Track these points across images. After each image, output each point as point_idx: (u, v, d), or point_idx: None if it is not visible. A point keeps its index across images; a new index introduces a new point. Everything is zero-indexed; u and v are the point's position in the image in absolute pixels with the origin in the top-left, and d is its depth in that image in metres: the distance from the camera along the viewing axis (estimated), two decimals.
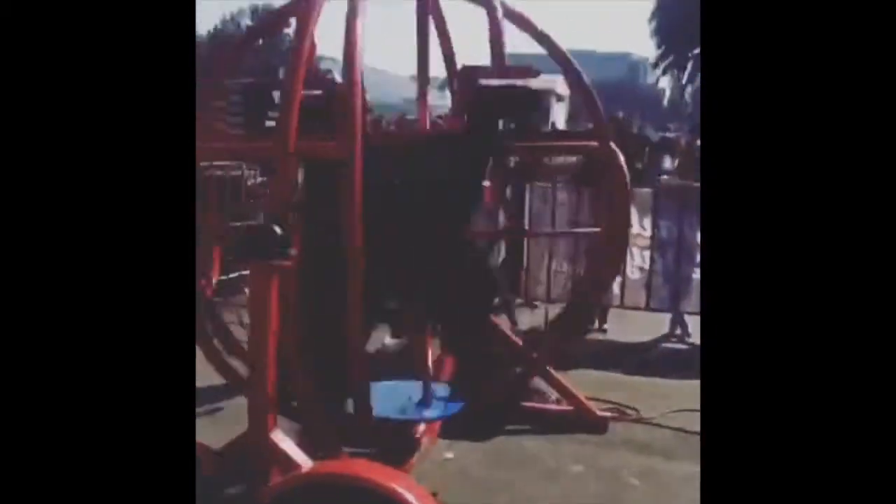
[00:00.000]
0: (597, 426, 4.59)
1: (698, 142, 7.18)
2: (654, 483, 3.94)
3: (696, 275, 6.37)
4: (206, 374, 3.49)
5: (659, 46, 39.93)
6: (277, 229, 2.52)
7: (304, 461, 2.58)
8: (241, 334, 3.80)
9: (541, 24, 3.99)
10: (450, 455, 4.15)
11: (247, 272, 3.17)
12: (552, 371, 4.73)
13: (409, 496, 2.33)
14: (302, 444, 2.70)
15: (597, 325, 7.04)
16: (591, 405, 4.68)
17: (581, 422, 4.60)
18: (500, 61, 3.92)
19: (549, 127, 4.50)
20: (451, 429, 4.25)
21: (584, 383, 4.97)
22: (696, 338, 6.31)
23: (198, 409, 2.43)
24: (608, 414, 4.69)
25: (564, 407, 4.71)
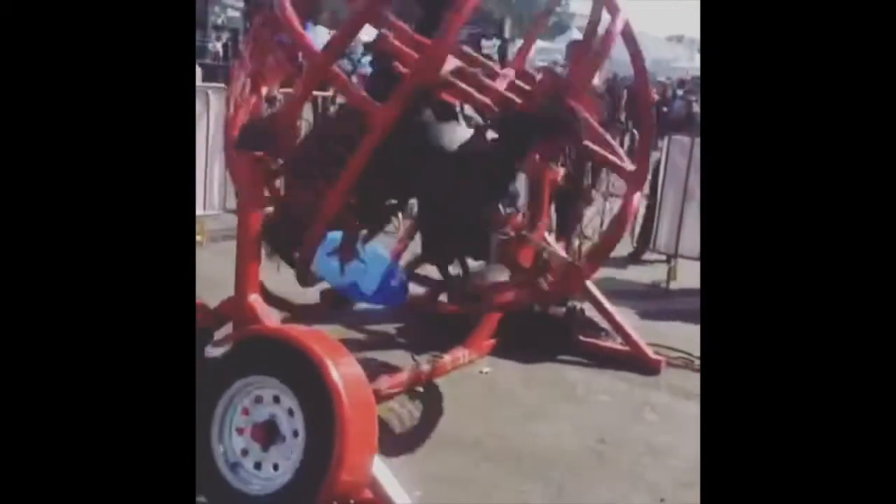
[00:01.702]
0: (650, 368, 4.66)
1: None
2: (671, 420, 3.98)
3: None
4: None
5: None
6: (263, 127, 3.00)
7: (272, 322, 3.09)
8: None
9: None
10: (487, 370, 4.48)
11: None
12: (613, 311, 4.84)
13: (325, 357, 2.74)
14: None
15: None
16: (646, 347, 4.72)
17: (635, 361, 4.69)
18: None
19: None
20: (503, 351, 4.57)
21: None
22: None
23: None
24: (661, 357, 4.70)
25: (620, 346, 4.79)
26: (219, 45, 20.37)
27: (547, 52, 24.85)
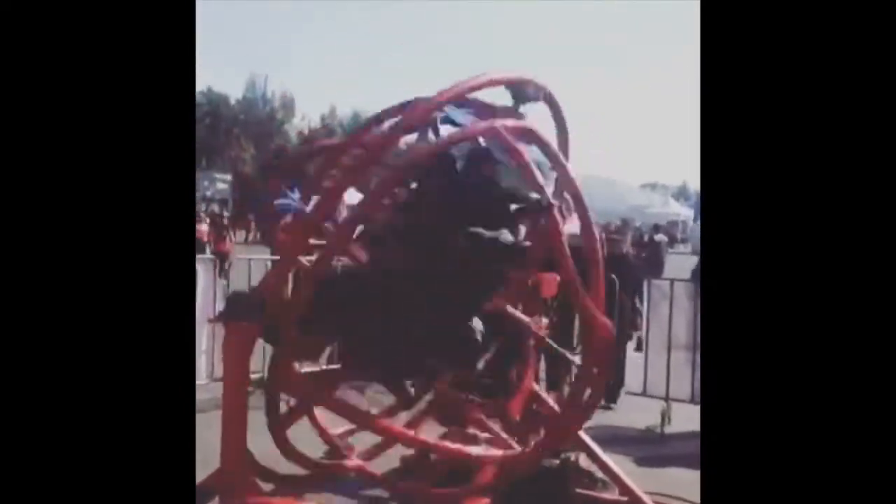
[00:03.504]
0: None
1: None
2: None
3: None
4: None
5: None
6: (249, 298, 3.09)
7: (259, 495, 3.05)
8: None
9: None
10: None
11: None
12: (608, 461, 4.76)
13: None
14: None
15: None
16: (645, 496, 4.62)
17: None
18: None
19: None
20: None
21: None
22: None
23: None
24: None
25: (618, 496, 4.68)
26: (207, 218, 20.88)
27: None
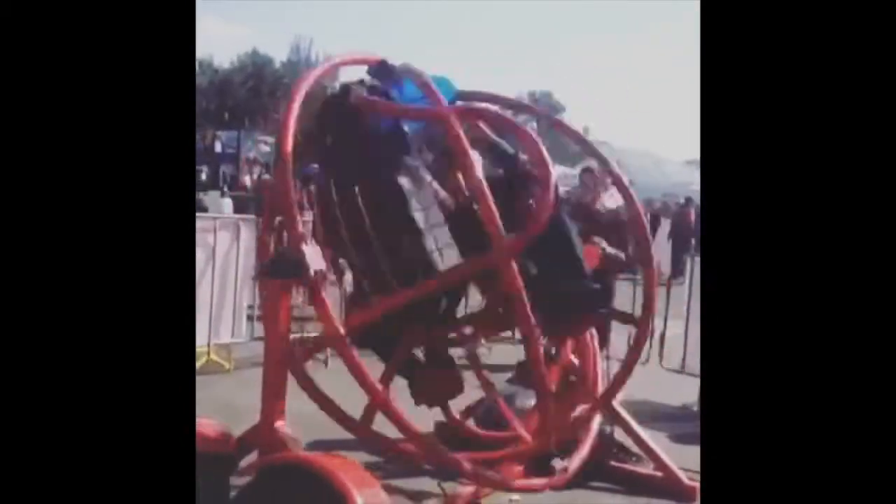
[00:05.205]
0: (685, 494, 4.50)
1: None
2: None
3: None
4: None
5: None
6: (293, 255, 3.08)
7: (297, 448, 3.08)
8: None
9: None
10: (516, 497, 4.34)
11: None
12: (644, 435, 4.73)
13: (351, 486, 2.71)
14: None
15: None
16: (680, 473, 4.58)
17: (669, 487, 4.54)
18: None
19: None
20: (533, 477, 4.45)
21: None
22: None
23: None
24: (696, 483, 4.54)
25: (653, 471, 4.66)
26: (247, 178, 21.08)
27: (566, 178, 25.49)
